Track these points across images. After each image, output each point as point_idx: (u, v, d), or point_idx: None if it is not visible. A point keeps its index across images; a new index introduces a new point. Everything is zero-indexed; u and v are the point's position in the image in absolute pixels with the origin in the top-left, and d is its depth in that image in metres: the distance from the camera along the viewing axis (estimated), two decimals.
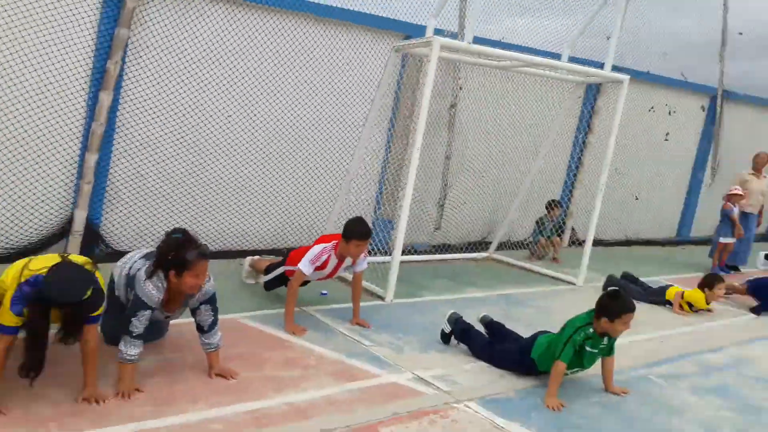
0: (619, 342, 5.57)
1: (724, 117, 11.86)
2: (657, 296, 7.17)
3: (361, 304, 5.27)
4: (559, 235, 9.28)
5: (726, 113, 11.94)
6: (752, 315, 7.14)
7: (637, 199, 11.33)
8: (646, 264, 9.66)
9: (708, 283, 6.96)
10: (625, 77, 7.31)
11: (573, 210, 10.26)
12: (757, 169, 9.75)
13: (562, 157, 10.15)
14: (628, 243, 11.35)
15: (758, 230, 10.34)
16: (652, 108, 10.90)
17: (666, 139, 11.33)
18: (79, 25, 5.68)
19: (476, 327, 4.91)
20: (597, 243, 10.99)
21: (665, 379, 4.78)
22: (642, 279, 7.87)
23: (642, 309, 6.99)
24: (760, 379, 5.00)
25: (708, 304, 6.91)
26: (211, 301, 3.78)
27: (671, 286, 7.24)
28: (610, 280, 7.58)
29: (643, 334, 5.89)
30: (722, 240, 9.45)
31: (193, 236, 3.61)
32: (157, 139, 6.33)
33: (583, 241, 10.83)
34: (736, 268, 9.86)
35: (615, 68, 9.97)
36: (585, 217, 10.44)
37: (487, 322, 4.98)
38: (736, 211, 9.32)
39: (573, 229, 10.50)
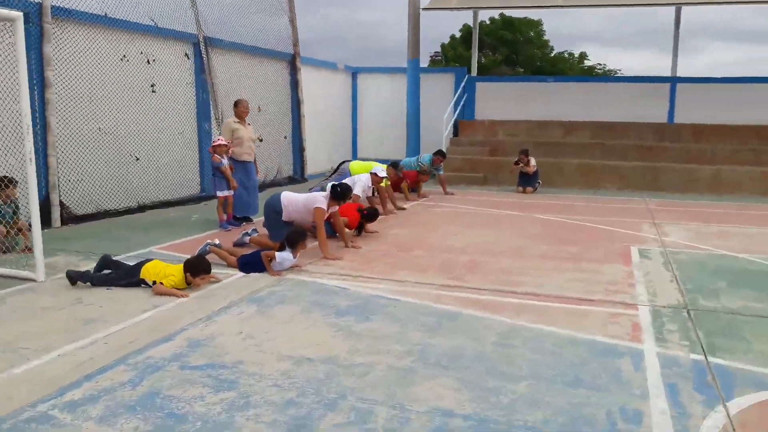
0: (38, 363, 4.02)
1: (213, 65, 11.18)
2: (131, 277, 5.87)
3: None
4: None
5: (215, 61, 11.26)
6: (240, 273, 6.43)
7: (138, 159, 9.94)
8: (154, 230, 8.43)
9: (192, 270, 5.73)
10: (18, 14, 5.42)
11: (55, 182, 8.31)
12: (239, 116, 9.11)
13: (16, 120, 7.95)
14: (141, 209, 10.00)
15: (260, 178, 10.04)
16: (125, 57, 9.46)
17: (153, 91, 10.09)
18: None
19: None
20: (102, 215, 9.32)
21: (75, 408, 3.38)
22: (135, 252, 6.68)
23: (103, 297, 5.59)
24: (206, 365, 3.96)
25: (189, 285, 5.75)
26: None
27: (150, 260, 6.01)
28: (104, 260, 6.06)
29: (85, 339, 4.47)
30: (220, 194, 8.74)
31: None
32: None
33: (84, 217, 9.05)
34: (248, 219, 9.40)
35: (55, 9, 8.11)
36: (70, 188, 8.61)
37: None
38: (225, 163, 8.64)
39: (62, 203, 8.59)
